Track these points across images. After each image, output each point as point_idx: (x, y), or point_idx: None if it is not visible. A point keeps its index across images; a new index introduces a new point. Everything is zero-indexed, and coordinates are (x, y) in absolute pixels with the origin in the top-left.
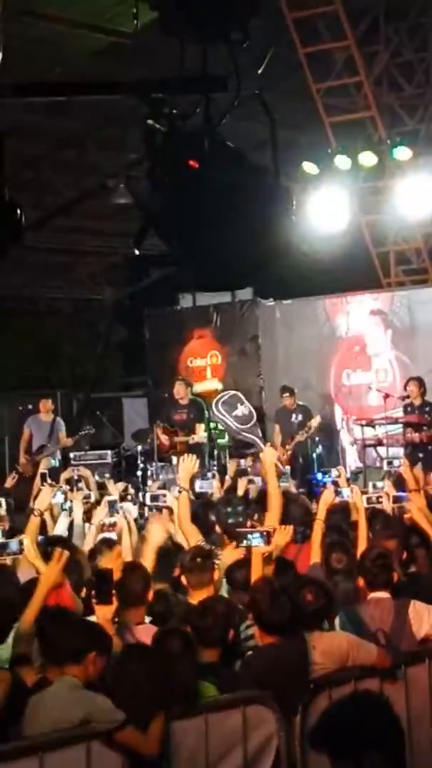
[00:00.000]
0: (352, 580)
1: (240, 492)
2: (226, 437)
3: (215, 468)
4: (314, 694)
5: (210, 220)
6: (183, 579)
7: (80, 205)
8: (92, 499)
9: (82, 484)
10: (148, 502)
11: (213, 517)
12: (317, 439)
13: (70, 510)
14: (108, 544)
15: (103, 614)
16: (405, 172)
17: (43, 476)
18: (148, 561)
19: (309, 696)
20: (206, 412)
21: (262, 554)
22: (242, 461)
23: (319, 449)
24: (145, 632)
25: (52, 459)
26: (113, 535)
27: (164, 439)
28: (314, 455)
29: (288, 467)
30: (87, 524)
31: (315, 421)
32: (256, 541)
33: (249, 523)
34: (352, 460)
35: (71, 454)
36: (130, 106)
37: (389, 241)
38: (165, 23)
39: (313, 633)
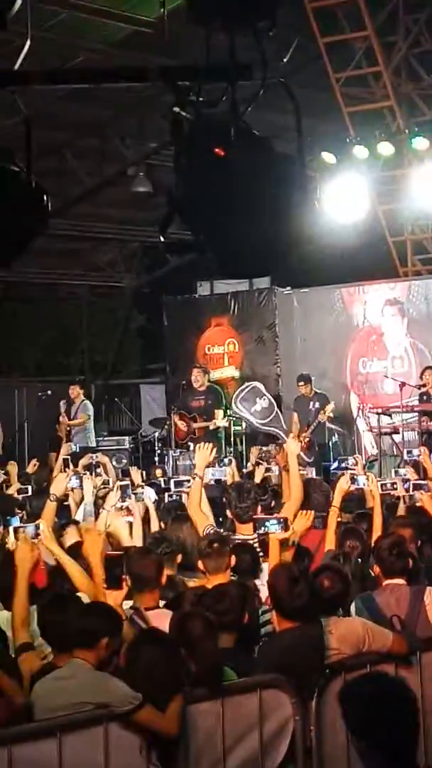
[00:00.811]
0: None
1: (257, 480)
2: (243, 424)
3: (231, 454)
4: (329, 679)
5: (235, 208)
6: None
7: (100, 192)
8: (110, 484)
9: (101, 470)
10: (172, 487)
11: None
12: (333, 427)
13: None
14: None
15: (113, 599)
16: (423, 162)
17: (65, 461)
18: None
19: (324, 681)
20: (224, 398)
21: (279, 540)
22: (263, 448)
23: (336, 437)
24: (159, 617)
25: (72, 445)
26: (129, 519)
27: (181, 425)
28: (330, 443)
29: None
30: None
31: (329, 407)
32: (273, 527)
33: (259, 508)
34: (369, 448)
35: None
36: (150, 95)
37: (406, 230)
38: (193, 11)
39: (329, 619)
